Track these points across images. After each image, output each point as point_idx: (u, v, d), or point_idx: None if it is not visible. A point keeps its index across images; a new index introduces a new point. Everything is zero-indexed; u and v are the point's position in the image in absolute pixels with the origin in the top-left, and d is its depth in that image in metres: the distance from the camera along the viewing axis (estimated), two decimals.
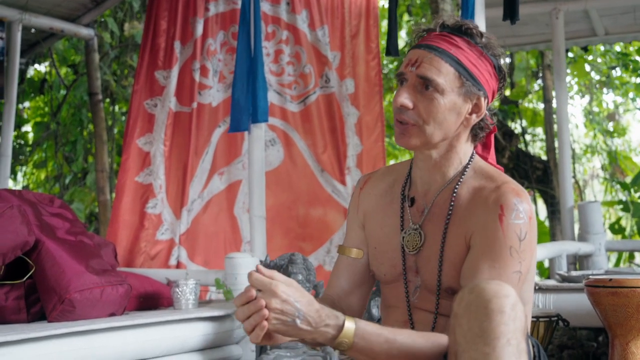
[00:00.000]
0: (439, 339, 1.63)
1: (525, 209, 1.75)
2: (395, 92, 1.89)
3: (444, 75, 1.78)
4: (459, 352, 1.51)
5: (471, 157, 1.91)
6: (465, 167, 1.88)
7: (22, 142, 8.32)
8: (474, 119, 1.85)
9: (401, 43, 8.78)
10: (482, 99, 1.83)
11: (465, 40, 1.83)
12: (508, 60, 9.29)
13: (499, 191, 1.78)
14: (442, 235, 1.83)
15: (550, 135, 8.30)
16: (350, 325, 1.60)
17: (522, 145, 9.20)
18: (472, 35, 1.83)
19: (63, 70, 8.30)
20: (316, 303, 1.61)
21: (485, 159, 1.97)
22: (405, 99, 1.80)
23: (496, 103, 1.98)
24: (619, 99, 9.78)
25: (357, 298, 2.03)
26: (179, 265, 4.80)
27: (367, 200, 2.03)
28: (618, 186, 8.61)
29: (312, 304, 1.60)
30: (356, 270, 2.02)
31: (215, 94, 5.14)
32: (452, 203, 1.84)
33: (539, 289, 3.48)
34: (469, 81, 1.80)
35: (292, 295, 1.58)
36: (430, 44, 1.83)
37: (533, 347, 1.71)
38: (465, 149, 1.89)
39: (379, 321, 2.02)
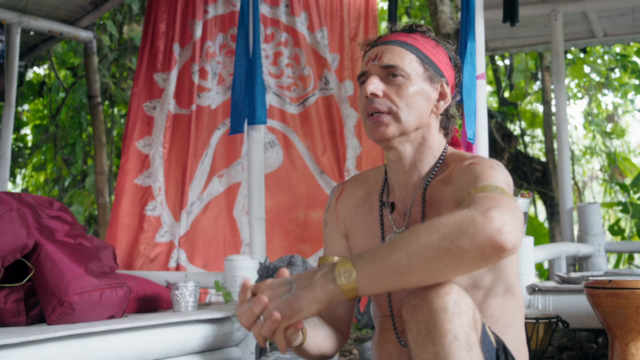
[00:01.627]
0: (439, 219, 1.50)
1: (500, 164, 1.75)
2: (359, 91, 1.90)
3: (407, 61, 1.83)
4: (413, 357, 1.51)
5: (444, 150, 1.91)
6: (439, 160, 1.89)
7: (21, 144, 8.31)
8: (442, 105, 1.88)
9: None
10: (445, 85, 1.88)
11: (418, 34, 1.90)
12: (507, 62, 9.31)
13: (469, 161, 1.77)
14: None
15: (549, 137, 8.30)
16: (342, 258, 1.58)
17: (521, 147, 9.20)
18: (423, 31, 1.91)
19: (62, 73, 8.30)
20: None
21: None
22: (375, 86, 1.82)
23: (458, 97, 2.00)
24: (618, 101, 9.78)
25: (344, 308, 1.99)
26: (178, 268, 4.80)
27: (345, 210, 2.01)
28: (617, 187, 8.62)
29: (304, 273, 1.58)
30: None
31: (214, 96, 5.14)
32: (424, 195, 1.84)
33: (538, 291, 3.48)
34: (431, 67, 1.85)
35: (277, 280, 1.56)
36: (387, 40, 1.89)
37: (495, 340, 1.69)
38: (437, 141, 1.90)
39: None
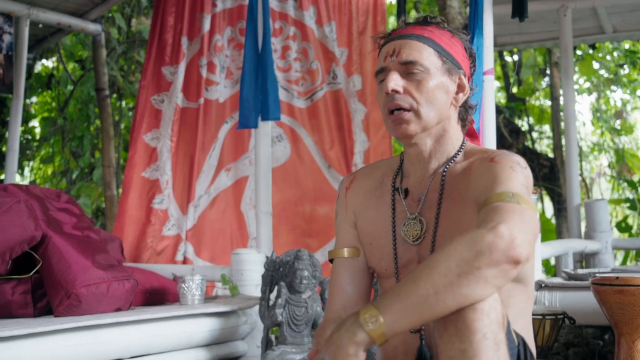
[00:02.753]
0: (452, 244, 1.52)
1: (521, 162, 1.74)
2: (378, 88, 1.89)
3: (425, 55, 1.81)
4: (438, 353, 1.52)
5: (463, 143, 1.91)
6: (457, 152, 1.89)
7: (30, 137, 8.33)
8: (461, 97, 1.87)
9: None
10: (463, 77, 1.87)
11: (433, 26, 1.88)
12: (516, 57, 9.28)
13: (490, 156, 1.77)
14: (435, 217, 1.82)
15: (557, 133, 8.28)
16: (365, 306, 1.53)
17: (529, 143, 9.18)
18: (438, 22, 1.89)
19: (70, 66, 8.32)
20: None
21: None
22: (395, 83, 1.81)
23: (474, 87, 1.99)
24: (627, 97, 9.75)
25: (365, 302, 1.96)
26: (185, 261, 4.81)
27: (355, 199, 2.01)
28: (625, 184, 8.60)
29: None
30: (357, 270, 1.96)
31: (222, 89, 5.14)
32: (443, 180, 1.83)
33: (545, 287, 3.47)
34: (449, 59, 1.84)
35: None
36: (402, 34, 1.87)
37: (517, 336, 1.69)
38: (456, 133, 1.90)
39: None
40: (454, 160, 1.87)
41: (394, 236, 1.89)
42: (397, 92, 1.81)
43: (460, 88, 1.86)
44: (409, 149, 1.90)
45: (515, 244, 1.45)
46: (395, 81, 1.81)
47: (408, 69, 1.81)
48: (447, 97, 1.84)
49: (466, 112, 1.92)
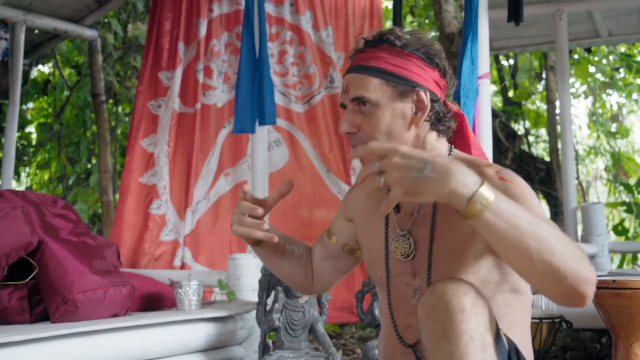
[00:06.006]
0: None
1: (518, 179, 1.74)
2: None
3: (372, 89, 1.80)
4: (427, 356, 1.52)
5: (450, 152, 1.89)
6: None
7: (26, 143, 8.32)
8: (420, 115, 1.83)
9: None
10: (422, 93, 1.82)
11: (384, 47, 1.84)
12: (511, 61, 9.30)
13: (483, 172, 1.73)
14: (429, 232, 1.82)
15: (553, 137, 8.30)
16: (488, 186, 1.48)
17: (525, 147, 9.19)
18: (389, 41, 1.84)
19: (66, 71, 8.31)
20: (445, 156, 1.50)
21: (469, 153, 1.95)
22: (346, 126, 1.83)
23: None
24: (623, 100, 9.77)
25: (329, 268, 2.14)
26: (183, 266, 4.81)
27: (354, 200, 2.05)
28: (621, 188, 8.60)
29: (443, 156, 1.51)
30: (328, 251, 2.13)
31: (220, 94, 5.14)
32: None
33: None
34: (400, 82, 1.80)
35: (414, 150, 1.49)
36: (353, 66, 1.86)
37: (509, 343, 1.70)
38: (434, 143, 1.87)
39: (380, 324, 2.01)
40: None
41: (387, 250, 1.91)
42: (350, 133, 1.83)
43: (419, 105, 1.82)
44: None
45: (593, 283, 1.52)
46: (345, 125, 1.83)
47: (358, 103, 1.82)
48: (403, 121, 1.82)
49: (439, 121, 1.86)
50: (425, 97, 1.82)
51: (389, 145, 1.49)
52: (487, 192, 1.45)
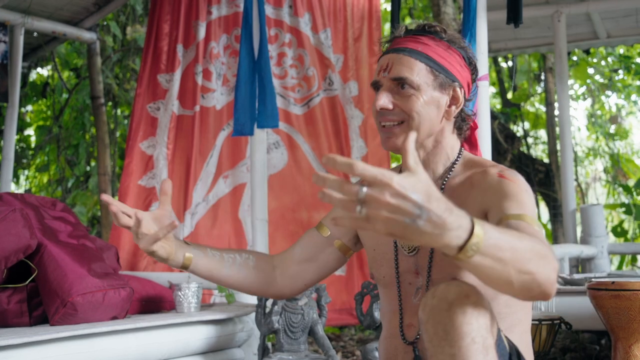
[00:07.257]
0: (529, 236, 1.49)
1: (517, 177, 1.77)
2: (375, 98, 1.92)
3: (416, 72, 1.83)
4: (428, 357, 1.52)
5: (460, 153, 1.93)
6: (454, 162, 1.91)
7: (25, 145, 8.32)
8: (454, 110, 1.88)
9: None
10: (458, 89, 1.87)
11: (430, 37, 1.88)
12: (510, 63, 9.30)
13: (497, 171, 1.79)
14: None
15: (552, 138, 8.30)
16: (479, 226, 1.33)
17: (524, 148, 9.19)
18: (436, 32, 1.88)
19: (65, 74, 8.31)
20: (440, 195, 1.30)
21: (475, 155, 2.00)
22: (384, 101, 1.84)
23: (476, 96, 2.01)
24: (622, 102, 9.78)
25: (312, 268, 2.07)
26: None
27: None
28: (620, 189, 8.61)
29: (439, 199, 1.28)
30: (313, 241, 2.08)
31: (219, 97, 5.14)
32: (442, 192, 1.84)
33: None
34: (441, 73, 1.85)
35: (409, 188, 1.25)
36: (397, 47, 1.88)
37: (510, 345, 1.70)
38: (451, 143, 1.92)
39: (379, 326, 2.02)
40: (452, 171, 1.89)
41: (395, 245, 1.92)
42: (386, 109, 1.84)
43: (454, 100, 1.88)
44: (403, 160, 1.91)
45: (554, 278, 1.48)
46: (384, 99, 1.84)
47: (399, 84, 1.84)
48: (438, 111, 1.86)
49: (463, 122, 1.93)
50: (461, 94, 1.87)
51: (382, 176, 1.26)
52: (477, 238, 1.31)
